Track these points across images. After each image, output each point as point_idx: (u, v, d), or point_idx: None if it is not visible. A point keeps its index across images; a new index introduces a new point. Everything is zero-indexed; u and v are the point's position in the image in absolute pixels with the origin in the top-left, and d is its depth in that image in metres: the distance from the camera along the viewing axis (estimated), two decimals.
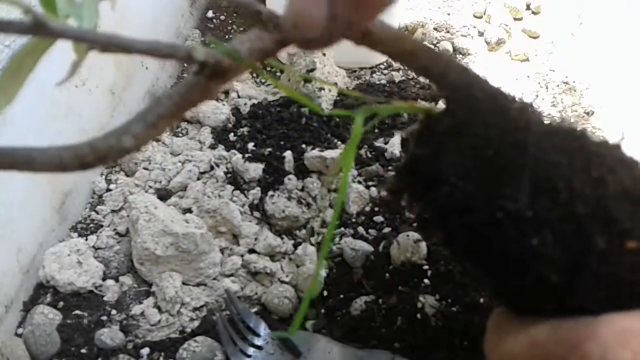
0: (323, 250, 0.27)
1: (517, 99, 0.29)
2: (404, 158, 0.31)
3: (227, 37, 0.81)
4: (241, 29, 0.82)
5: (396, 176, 0.32)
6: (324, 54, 0.64)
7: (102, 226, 0.54)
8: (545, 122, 0.28)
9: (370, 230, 0.53)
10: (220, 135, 0.62)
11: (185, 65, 0.76)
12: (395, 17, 0.74)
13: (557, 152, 0.26)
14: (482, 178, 0.26)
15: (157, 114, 0.24)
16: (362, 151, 0.59)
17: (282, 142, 0.59)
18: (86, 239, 0.52)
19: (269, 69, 0.76)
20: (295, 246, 0.52)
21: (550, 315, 0.25)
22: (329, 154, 0.54)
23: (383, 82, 0.72)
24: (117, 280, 0.50)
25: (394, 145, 0.59)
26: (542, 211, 0.25)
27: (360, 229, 0.53)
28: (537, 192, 0.25)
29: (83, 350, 0.44)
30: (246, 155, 0.57)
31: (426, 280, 0.46)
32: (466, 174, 0.27)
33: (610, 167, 0.26)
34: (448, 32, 0.81)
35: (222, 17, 0.85)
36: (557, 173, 0.25)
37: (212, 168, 0.58)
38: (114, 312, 0.47)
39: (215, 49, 0.24)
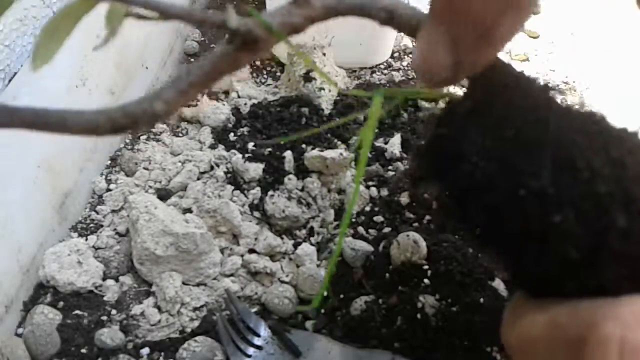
0: (342, 227, 0.28)
1: (538, 79, 0.29)
2: (425, 139, 0.30)
3: (227, 36, 0.81)
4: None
5: (416, 157, 0.32)
6: (324, 54, 0.64)
7: (102, 226, 0.54)
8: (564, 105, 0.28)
9: (370, 230, 0.53)
10: (220, 135, 0.62)
11: (185, 65, 0.76)
12: None
13: (577, 132, 0.26)
14: (504, 157, 0.26)
15: (188, 81, 0.25)
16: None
17: (282, 142, 0.59)
18: (86, 239, 0.52)
19: (268, 69, 0.76)
20: (295, 246, 0.52)
21: (570, 297, 0.25)
22: (329, 154, 0.54)
23: (383, 82, 0.72)
24: (117, 280, 0.50)
25: (394, 145, 0.59)
26: (564, 188, 0.25)
27: (360, 229, 0.53)
28: (559, 170, 0.25)
29: (83, 350, 0.44)
30: (246, 155, 0.57)
31: (426, 280, 0.46)
32: (487, 153, 0.27)
33: (629, 149, 0.26)
34: None
35: None
36: (578, 152, 0.26)
37: (212, 168, 0.58)
38: (114, 312, 0.47)
39: (248, 19, 0.24)
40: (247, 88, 0.69)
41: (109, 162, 0.61)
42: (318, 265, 0.50)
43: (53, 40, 0.25)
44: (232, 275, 0.50)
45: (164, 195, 0.56)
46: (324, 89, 0.63)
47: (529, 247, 0.26)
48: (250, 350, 0.44)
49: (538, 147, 0.26)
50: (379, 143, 0.60)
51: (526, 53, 0.78)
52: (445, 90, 0.31)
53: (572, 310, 0.25)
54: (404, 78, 0.72)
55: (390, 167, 0.58)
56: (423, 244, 0.48)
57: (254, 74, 0.74)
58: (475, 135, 0.27)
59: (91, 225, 0.54)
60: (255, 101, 0.66)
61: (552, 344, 0.25)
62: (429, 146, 0.30)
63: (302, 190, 0.55)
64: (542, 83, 0.28)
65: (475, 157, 0.27)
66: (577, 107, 0.28)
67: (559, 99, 0.28)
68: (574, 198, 0.25)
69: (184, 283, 0.48)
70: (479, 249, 0.30)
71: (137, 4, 0.23)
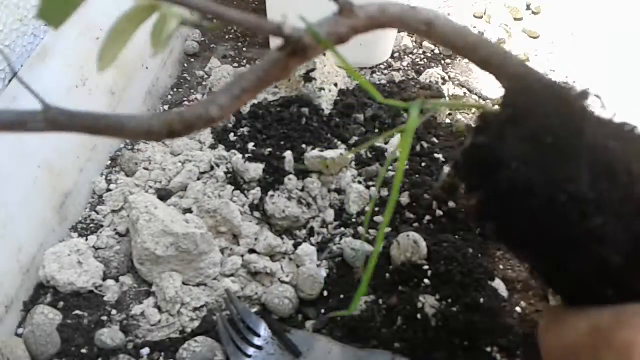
0: (384, 223, 0.29)
1: (572, 88, 0.30)
2: (462, 149, 0.32)
3: (227, 36, 0.81)
4: (241, 28, 0.82)
5: (455, 167, 0.33)
6: (324, 54, 0.64)
7: (102, 226, 0.54)
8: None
9: (370, 230, 0.53)
10: (220, 135, 0.62)
11: (185, 65, 0.76)
12: None
13: (613, 139, 0.27)
14: (543, 162, 0.27)
15: (241, 87, 0.26)
16: (362, 151, 0.59)
17: (282, 142, 0.59)
18: (86, 239, 0.52)
19: None
20: (295, 246, 0.52)
21: (610, 302, 0.25)
22: (329, 154, 0.54)
23: (383, 82, 0.72)
24: (117, 280, 0.50)
25: (393, 145, 0.59)
26: (603, 192, 0.26)
27: (360, 229, 0.53)
28: (597, 174, 0.26)
29: (83, 350, 0.44)
30: (246, 155, 0.57)
31: (426, 280, 0.46)
32: (527, 159, 0.28)
33: None
34: None
35: None
36: (615, 157, 0.26)
37: (212, 168, 0.58)
38: (114, 312, 0.47)
39: (299, 28, 0.26)
40: None
41: (109, 162, 0.61)
42: (318, 265, 0.50)
43: (117, 42, 0.26)
44: (232, 275, 0.50)
45: (164, 195, 0.56)
46: (324, 89, 0.63)
47: (569, 250, 0.27)
48: (250, 350, 0.44)
49: (576, 153, 0.27)
50: (379, 143, 0.60)
51: (526, 53, 0.78)
52: (477, 101, 0.33)
53: (615, 315, 0.25)
54: (404, 78, 0.72)
55: (390, 167, 0.58)
56: (423, 244, 0.48)
57: None
58: (513, 143, 0.28)
59: (91, 225, 0.54)
60: (255, 101, 0.66)
61: (596, 349, 0.25)
62: (468, 155, 0.31)
63: (302, 190, 0.55)
64: (576, 91, 0.29)
65: (514, 163, 0.28)
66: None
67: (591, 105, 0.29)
68: (614, 201, 0.26)
69: (184, 283, 0.48)
70: (517, 256, 0.31)
71: (196, 9, 0.24)
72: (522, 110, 0.29)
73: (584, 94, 0.29)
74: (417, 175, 0.56)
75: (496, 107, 0.30)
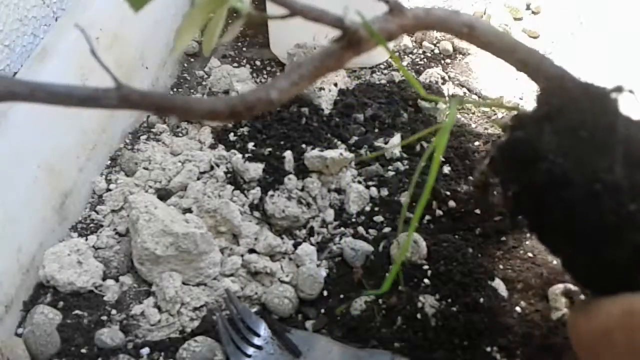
0: (417, 212, 0.31)
1: (605, 88, 0.32)
2: (499, 145, 0.34)
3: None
4: (241, 28, 0.82)
5: (491, 163, 0.35)
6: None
7: (102, 226, 0.54)
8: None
9: (370, 230, 0.53)
10: (220, 135, 0.62)
11: (185, 65, 0.76)
12: None
13: None
14: (579, 155, 0.29)
15: (299, 74, 0.29)
16: (362, 151, 0.59)
17: (282, 142, 0.59)
18: (86, 239, 0.52)
19: (268, 69, 0.76)
20: (295, 246, 0.52)
21: None
22: (329, 153, 0.54)
23: (383, 82, 0.72)
24: (117, 280, 0.50)
25: (394, 145, 0.59)
26: (637, 181, 0.28)
27: (360, 229, 0.53)
28: (631, 165, 0.28)
29: (83, 350, 0.44)
30: (246, 155, 0.57)
31: (426, 280, 0.46)
32: (563, 152, 0.30)
33: None
34: None
35: None
36: None
37: (212, 168, 0.58)
38: (114, 312, 0.47)
39: (356, 22, 0.28)
40: (247, 88, 0.69)
41: (109, 162, 0.61)
42: (318, 265, 0.50)
43: (189, 28, 0.28)
44: (232, 275, 0.50)
45: (164, 195, 0.56)
46: (323, 89, 0.63)
47: (605, 240, 0.28)
48: (250, 350, 0.44)
49: (610, 146, 0.29)
50: (379, 143, 0.60)
51: None
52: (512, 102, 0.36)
53: None
54: (404, 78, 0.72)
55: (390, 167, 0.58)
56: (423, 244, 0.48)
57: (254, 74, 0.74)
58: (550, 137, 0.30)
59: (91, 225, 0.54)
60: None
61: (630, 331, 0.26)
62: (506, 150, 0.33)
63: (302, 190, 0.55)
64: (607, 89, 0.32)
65: (552, 155, 0.30)
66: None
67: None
68: None
69: (184, 283, 0.48)
70: (550, 248, 0.33)
71: (281, 4, 0.26)
72: (558, 107, 0.31)
73: (618, 89, 0.32)
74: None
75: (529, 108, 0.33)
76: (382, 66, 0.75)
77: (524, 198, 0.32)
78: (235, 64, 0.75)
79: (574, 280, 0.34)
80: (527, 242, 0.50)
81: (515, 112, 0.34)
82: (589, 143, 0.29)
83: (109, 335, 0.45)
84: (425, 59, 0.76)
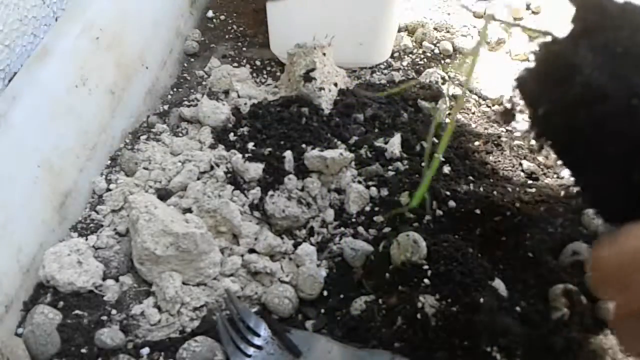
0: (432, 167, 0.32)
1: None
2: (526, 68, 0.34)
3: (227, 36, 0.81)
4: (241, 28, 0.82)
5: (518, 85, 0.35)
6: (324, 54, 0.64)
7: (102, 226, 0.54)
8: None
9: (370, 230, 0.53)
10: (220, 135, 0.62)
11: (185, 65, 0.76)
12: (396, 17, 0.74)
13: None
14: (614, 70, 0.29)
15: None
16: (362, 151, 0.59)
17: (282, 142, 0.59)
18: (86, 239, 0.52)
19: (268, 69, 0.76)
20: (295, 246, 0.52)
21: None
22: (329, 153, 0.54)
23: (383, 82, 0.72)
24: (117, 280, 0.50)
25: (394, 145, 0.59)
26: None
27: (360, 229, 0.53)
28: None
29: (83, 350, 0.44)
30: (246, 155, 0.57)
31: (426, 280, 0.46)
32: (599, 67, 0.30)
33: None
34: (448, 31, 0.81)
35: (222, 17, 0.85)
36: None
37: (212, 168, 0.58)
38: (114, 312, 0.47)
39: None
40: (247, 88, 0.69)
41: (109, 162, 0.61)
42: (318, 265, 0.51)
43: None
44: (232, 275, 0.50)
45: (164, 195, 0.56)
46: (323, 89, 0.63)
47: (638, 160, 0.28)
48: (250, 350, 0.44)
49: None
50: (379, 143, 0.60)
51: (526, 53, 0.78)
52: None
53: None
54: (403, 78, 0.72)
55: (390, 167, 0.58)
56: (423, 244, 0.48)
57: (254, 74, 0.74)
58: (586, 52, 0.30)
59: (91, 225, 0.54)
60: (255, 101, 0.66)
61: None
62: (542, 63, 0.33)
63: (302, 190, 0.55)
64: None
65: (588, 69, 0.30)
66: None
67: None
68: None
69: (184, 283, 0.48)
70: (574, 172, 0.32)
71: None
72: (594, 24, 0.31)
73: None
74: (417, 175, 0.56)
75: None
76: (382, 66, 0.75)
77: (554, 117, 0.32)
78: (235, 64, 0.75)
79: (596, 212, 0.33)
80: (527, 242, 0.50)
81: (548, 36, 0.34)
82: (625, 59, 0.29)
83: (109, 335, 0.45)
84: (425, 59, 0.76)
